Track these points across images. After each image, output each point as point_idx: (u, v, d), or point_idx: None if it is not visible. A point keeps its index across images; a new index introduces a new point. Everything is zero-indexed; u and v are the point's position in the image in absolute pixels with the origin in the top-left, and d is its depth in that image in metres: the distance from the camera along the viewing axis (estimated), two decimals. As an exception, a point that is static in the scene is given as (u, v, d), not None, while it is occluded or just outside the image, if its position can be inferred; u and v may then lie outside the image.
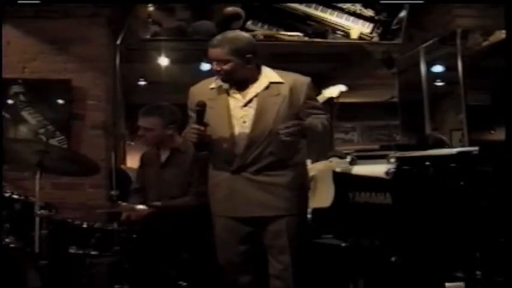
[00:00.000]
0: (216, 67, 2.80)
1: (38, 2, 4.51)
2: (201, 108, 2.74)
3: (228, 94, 2.86)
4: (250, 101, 2.82)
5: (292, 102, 2.81)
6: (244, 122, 2.80)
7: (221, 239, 2.89)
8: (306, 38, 4.90)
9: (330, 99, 4.39)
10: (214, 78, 2.91)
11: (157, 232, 3.30)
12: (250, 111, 2.80)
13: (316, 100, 3.07)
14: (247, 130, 2.78)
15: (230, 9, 4.74)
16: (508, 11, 2.78)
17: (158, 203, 3.31)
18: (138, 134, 3.55)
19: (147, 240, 3.28)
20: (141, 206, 3.25)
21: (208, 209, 2.96)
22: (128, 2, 4.83)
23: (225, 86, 2.87)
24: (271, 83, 2.84)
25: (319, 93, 4.16)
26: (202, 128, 2.74)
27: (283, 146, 2.75)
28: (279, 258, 2.80)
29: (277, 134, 2.69)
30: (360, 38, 5.00)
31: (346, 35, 4.98)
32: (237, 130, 2.79)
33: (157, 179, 3.52)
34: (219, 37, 2.82)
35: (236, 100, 2.84)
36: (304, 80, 2.89)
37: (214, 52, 2.79)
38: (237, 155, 2.78)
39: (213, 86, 2.90)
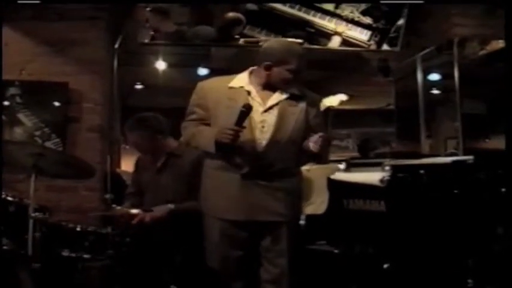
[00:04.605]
0: None
1: (37, 2, 4.51)
2: (247, 110, 2.68)
3: (249, 96, 2.84)
4: (271, 107, 2.82)
5: (307, 116, 2.86)
6: (263, 127, 2.79)
7: (215, 243, 2.85)
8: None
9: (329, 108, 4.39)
10: (229, 77, 2.90)
11: (151, 236, 3.29)
12: (271, 117, 2.80)
13: (321, 118, 3.08)
14: (265, 135, 2.77)
15: (231, 14, 4.75)
16: (508, 14, 2.80)
17: (172, 206, 3.27)
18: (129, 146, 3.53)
19: (141, 244, 3.26)
20: (135, 210, 3.22)
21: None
22: (129, 2, 4.82)
23: (248, 87, 2.85)
24: (292, 94, 2.86)
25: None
26: (241, 130, 2.69)
27: (292, 154, 2.80)
28: (276, 262, 2.79)
29: (293, 143, 2.76)
30: (350, 43, 4.99)
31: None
32: (256, 134, 2.78)
33: (153, 184, 3.50)
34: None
35: (257, 104, 2.82)
36: (317, 98, 3.02)
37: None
38: (251, 158, 2.76)
39: (232, 85, 2.87)
